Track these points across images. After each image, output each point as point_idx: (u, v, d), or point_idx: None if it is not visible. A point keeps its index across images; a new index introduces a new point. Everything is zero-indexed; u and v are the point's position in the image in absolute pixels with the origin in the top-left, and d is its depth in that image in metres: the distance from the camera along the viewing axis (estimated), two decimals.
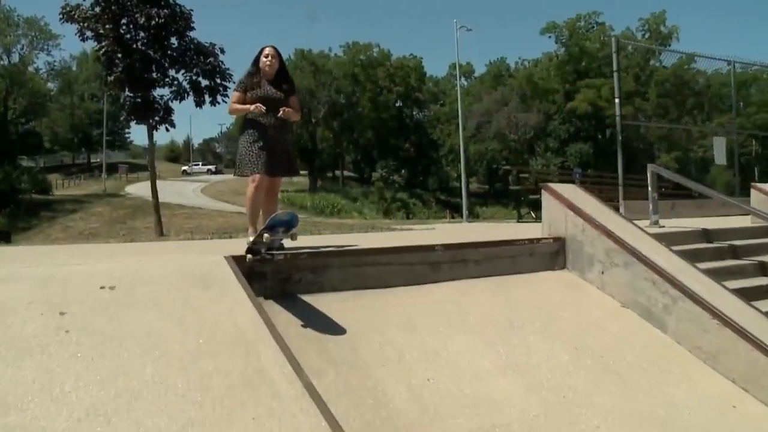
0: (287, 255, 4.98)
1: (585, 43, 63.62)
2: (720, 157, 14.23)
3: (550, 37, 65.79)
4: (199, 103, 12.41)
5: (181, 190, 54.06)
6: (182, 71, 12.16)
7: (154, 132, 12.41)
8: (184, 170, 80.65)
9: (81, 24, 11.72)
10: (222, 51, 12.11)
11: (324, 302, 4.95)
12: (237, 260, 4.70)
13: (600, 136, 64.87)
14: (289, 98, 5.65)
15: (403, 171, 71.30)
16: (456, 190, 76.77)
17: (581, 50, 63.20)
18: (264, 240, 4.51)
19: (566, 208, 6.84)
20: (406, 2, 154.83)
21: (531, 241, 6.70)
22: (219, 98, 12.68)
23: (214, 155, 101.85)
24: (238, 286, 4.31)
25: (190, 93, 12.19)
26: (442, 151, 72.31)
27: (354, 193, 63.34)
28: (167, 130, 12.03)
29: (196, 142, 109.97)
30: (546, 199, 7.18)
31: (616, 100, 11.77)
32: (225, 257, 4.69)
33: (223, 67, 12.26)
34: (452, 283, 5.77)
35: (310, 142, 65.83)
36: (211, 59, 12.07)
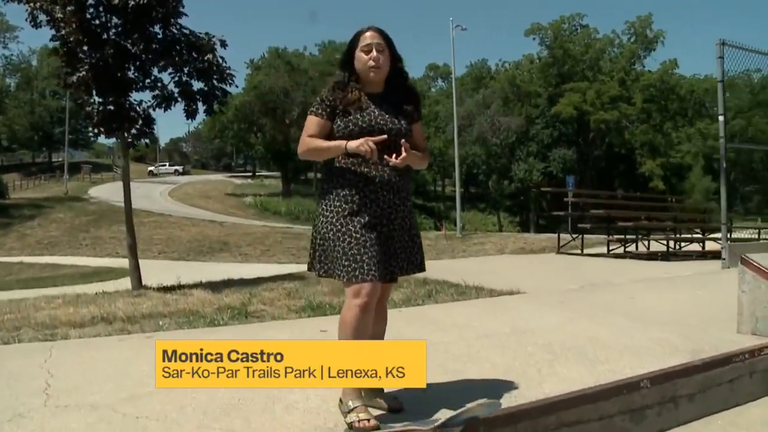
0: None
1: (569, 46, 61.74)
2: None
3: (534, 38, 63.80)
4: (190, 113, 9.71)
5: (148, 193, 50.85)
6: (169, 70, 9.38)
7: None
8: (151, 171, 77.11)
9: (32, 5, 8.82)
10: (223, 45, 9.32)
11: None
12: None
13: (582, 141, 63.22)
14: (411, 128, 3.07)
15: None
16: (431, 193, 74.91)
17: (565, 53, 61.29)
18: None
19: None
20: (380, 2, 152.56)
21: (752, 354, 4.30)
22: (216, 106, 9.80)
23: (181, 155, 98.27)
24: None
25: (179, 99, 9.38)
26: None
27: None
28: (147, 145, 9.39)
29: (163, 141, 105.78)
30: (748, 279, 4.76)
31: (721, 118, 9.38)
32: None
33: (223, 65, 9.43)
34: None
35: (283, 144, 63.17)
36: (209, 56, 9.24)
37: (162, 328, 5.09)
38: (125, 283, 10.62)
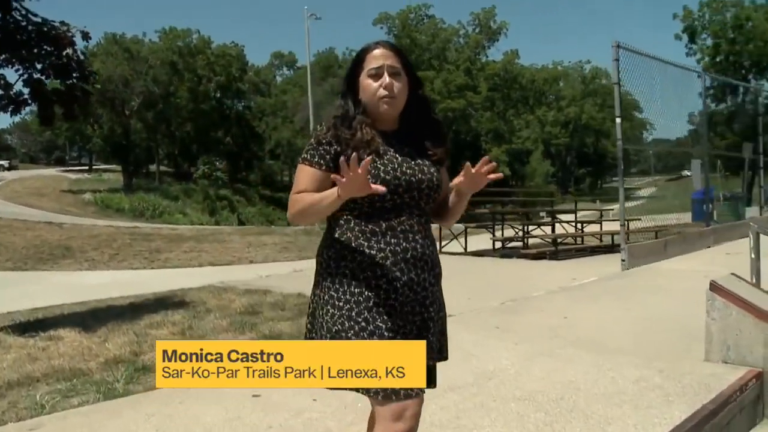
0: None
1: (416, 35, 62.54)
2: (697, 180, 12.23)
3: (382, 28, 64.07)
4: (46, 119, 8.13)
5: None
6: (15, 66, 7.70)
7: None
8: None
9: None
10: (85, 37, 7.83)
11: None
12: None
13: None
14: (440, 172, 2.25)
15: (220, 163, 65.86)
16: (278, 184, 73.42)
17: (412, 42, 61.96)
18: None
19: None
20: None
21: (741, 390, 3.96)
22: (77, 110, 8.13)
23: (6, 149, 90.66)
24: None
25: (30, 101, 7.74)
26: (268, 145, 68.85)
27: (174, 191, 57.81)
28: None
29: None
30: (718, 306, 4.44)
31: (617, 120, 9.16)
32: None
33: (84, 60, 7.84)
34: None
35: (123, 136, 59.61)
36: (68, 50, 7.68)
37: (44, 407, 3.94)
38: None
